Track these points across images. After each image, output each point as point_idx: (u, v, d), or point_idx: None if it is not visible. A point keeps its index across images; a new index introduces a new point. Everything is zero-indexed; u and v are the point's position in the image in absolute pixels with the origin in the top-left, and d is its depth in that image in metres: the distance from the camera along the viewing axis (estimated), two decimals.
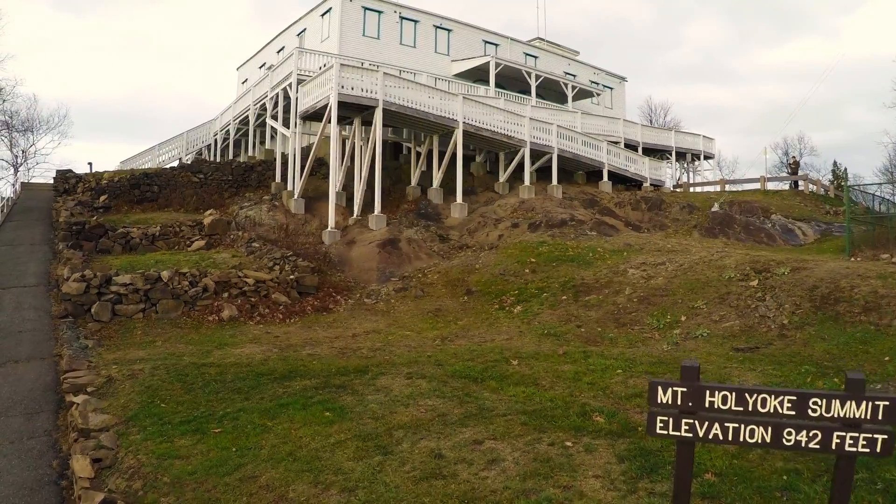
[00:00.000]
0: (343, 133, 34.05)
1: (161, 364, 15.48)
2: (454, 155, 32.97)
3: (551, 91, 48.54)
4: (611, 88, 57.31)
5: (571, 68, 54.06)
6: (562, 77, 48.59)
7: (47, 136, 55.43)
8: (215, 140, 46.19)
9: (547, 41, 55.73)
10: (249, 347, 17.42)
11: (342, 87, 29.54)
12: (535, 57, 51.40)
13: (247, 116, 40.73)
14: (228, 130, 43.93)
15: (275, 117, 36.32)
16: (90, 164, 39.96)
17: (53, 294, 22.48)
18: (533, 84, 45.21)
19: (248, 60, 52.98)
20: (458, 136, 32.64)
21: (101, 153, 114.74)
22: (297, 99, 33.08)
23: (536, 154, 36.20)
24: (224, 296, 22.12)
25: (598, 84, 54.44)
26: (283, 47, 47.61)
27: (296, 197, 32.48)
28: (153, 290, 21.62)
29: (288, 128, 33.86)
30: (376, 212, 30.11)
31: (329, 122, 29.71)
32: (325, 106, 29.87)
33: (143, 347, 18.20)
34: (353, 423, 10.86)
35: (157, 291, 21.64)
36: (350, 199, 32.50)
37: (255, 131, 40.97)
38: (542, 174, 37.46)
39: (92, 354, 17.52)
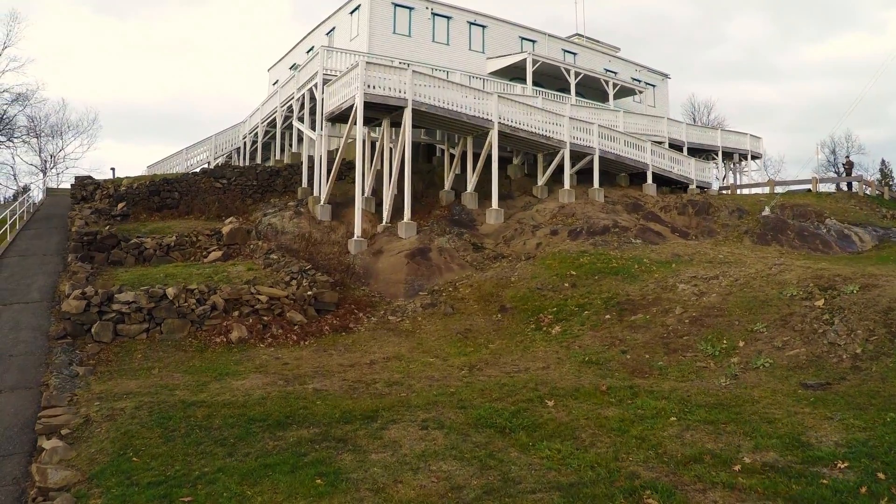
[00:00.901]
0: (372, 135, 31.90)
1: (147, 401, 13.46)
2: (489, 157, 30.65)
3: (591, 89, 45.95)
4: (653, 86, 54.47)
5: (612, 65, 51.36)
6: (602, 74, 45.95)
7: (76, 140, 53.69)
8: (244, 143, 44.34)
9: (586, 37, 53.06)
10: (252, 379, 15.29)
11: (368, 86, 27.36)
12: (574, 54, 48.80)
13: (274, 119, 38.78)
14: (257, 133, 42.04)
15: (301, 119, 34.31)
16: (113, 169, 38.39)
17: (55, 311, 20.62)
18: (572, 82, 42.64)
19: (278, 61, 51.12)
20: (494, 138, 30.31)
21: (140, 155, 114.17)
22: (322, 100, 30.99)
23: (577, 155, 33.73)
24: (234, 314, 20.03)
25: (639, 81, 51.66)
26: (313, 47, 45.52)
27: (322, 203, 30.38)
28: (158, 308, 19.67)
29: (315, 130, 31.75)
30: (405, 219, 27.89)
31: (355, 123, 27.51)
32: (351, 107, 27.72)
33: (137, 376, 16.24)
34: (348, 496, 8.62)
35: (162, 310, 19.68)
36: (379, 205, 30.35)
37: (282, 134, 39.01)
38: (583, 177, 34.97)
39: (80, 385, 15.69)
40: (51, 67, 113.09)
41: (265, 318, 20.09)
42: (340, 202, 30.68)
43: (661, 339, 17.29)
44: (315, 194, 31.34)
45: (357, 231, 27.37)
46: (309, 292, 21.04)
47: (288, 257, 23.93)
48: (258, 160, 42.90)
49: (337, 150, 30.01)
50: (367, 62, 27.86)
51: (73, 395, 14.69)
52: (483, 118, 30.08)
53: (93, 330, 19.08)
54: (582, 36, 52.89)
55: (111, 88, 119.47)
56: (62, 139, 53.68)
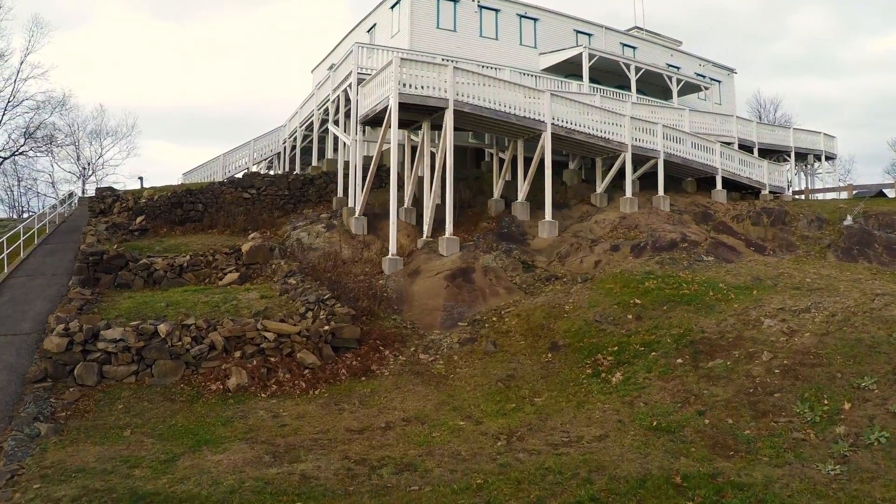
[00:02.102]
0: (413, 138, 28.50)
1: (94, 488, 10.40)
2: (542, 162, 27.05)
3: (652, 86, 41.84)
4: (718, 82, 49.81)
5: (674, 60, 46.98)
6: (664, 69, 41.75)
7: (115, 146, 51.31)
8: (284, 148, 41.40)
9: (646, 30, 48.74)
10: (234, 451, 12.04)
11: (404, 85, 24.01)
12: (634, 48, 44.65)
13: (312, 122, 35.66)
14: (296, 138, 39.02)
15: (337, 123, 31.11)
16: (140, 178, 35.88)
17: (41, 348, 17.64)
18: (633, 78, 38.56)
19: (321, 62, 47.94)
20: (546, 141, 26.70)
21: (198, 158, 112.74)
22: (357, 101, 27.72)
23: (639, 159, 29.91)
24: (236, 355, 16.80)
25: (704, 77, 47.24)
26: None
27: (356, 215, 27.12)
28: (148, 348, 16.65)
29: (350, 134, 28.49)
30: (447, 234, 24.44)
31: (391, 127, 24.18)
32: (386, 108, 24.41)
33: (105, 439, 13.28)
34: None
35: (153, 350, 16.62)
36: (421, 216, 26.96)
37: (319, 139, 35.87)
38: (646, 182, 31.12)
39: (35, 450, 12.86)
40: (108, 73, 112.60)
41: (272, 358, 16.82)
42: (379, 213, 27.35)
43: (746, 396, 13.53)
44: (350, 205, 28.11)
45: (392, 248, 24.02)
46: (326, 327, 17.68)
47: (308, 282, 20.65)
48: (297, 166, 39.93)
49: (379, 154, 26.69)
50: (403, 58, 24.50)
51: (19, 469, 11.76)
52: (534, 119, 26.50)
53: (75, 372, 16.24)
54: (641, 29, 48.66)
55: (172, 92, 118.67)
56: (101, 145, 51.32)
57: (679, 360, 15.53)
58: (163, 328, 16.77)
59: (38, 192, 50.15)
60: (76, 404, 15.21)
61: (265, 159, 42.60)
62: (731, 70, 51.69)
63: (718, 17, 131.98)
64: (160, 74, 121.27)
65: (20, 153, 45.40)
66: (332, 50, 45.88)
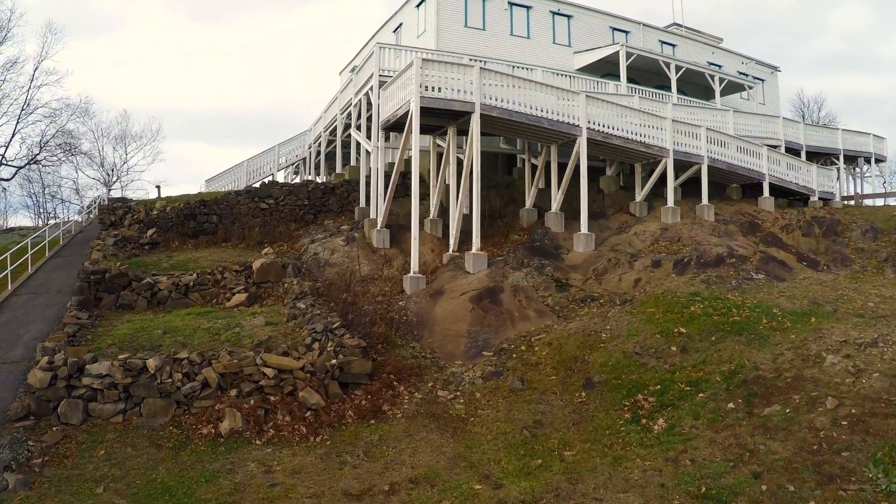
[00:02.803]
0: (439, 143, 26.54)
1: None
2: (577, 169, 24.97)
3: (693, 85, 39.42)
4: (761, 80, 46.94)
5: (716, 57, 44.34)
6: (706, 68, 39.27)
7: (139, 152, 49.97)
8: (310, 153, 39.68)
9: (685, 27, 46.20)
10: None
11: (426, 88, 22.10)
12: (673, 45, 42.16)
13: (336, 126, 33.87)
14: (321, 143, 37.28)
15: (360, 128, 29.26)
16: (158, 187, 34.19)
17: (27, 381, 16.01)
18: (673, 77, 36.12)
19: (348, 64, 46.04)
20: (582, 146, 24.61)
21: (231, 160, 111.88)
22: (378, 105, 25.86)
23: (681, 165, 27.67)
24: (232, 393, 15.04)
25: (746, 76, 44.61)
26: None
27: (378, 227, 25.25)
28: (136, 384, 14.99)
29: (372, 140, 26.63)
30: (474, 249, 22.48)
31: (413, 132, 22.31)
32: (407, 113, 22.51)
33: (75, 498, 11.58)
34: None
35: (141, 387, 14.95)
36: (447, 227, 25.03)
37: (343, 144, 34.07)
38: (688, 189, 28.85)
39: None
40: (145, 75, 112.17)
41: (271, 398, 14.99)
42: (403, 224, 25.34)
43: (809, 455, 11.42)
44: (372, 216, 26.25)
45: (413, 265, 22.11)
46: (333, 361, 15.79)
47: (319, 306, 18.79)
48: (322, 172, 38.24)
49: (403, 160, 24.78)
50: (424, 59, 22.57)
51: None
52: (568, 123, 24.42)
53: (59, 409, 14.78)
54: (680, 26, 46.09)
55: (209, 94, 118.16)
56: (125, 151, 49.99)
57: (730, 405, 13.43)
58: (152, 363, 15.06)
59: (63, 199, 49.08)
60: (56, 447, 13.68)
61: (291, 164, 40.95)
62: (775, 68, 48.89)
63: (757, 14, 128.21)
64: (197, 76, 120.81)
65: (34, 162, 44.24)
66: (359, 51, 44.06)
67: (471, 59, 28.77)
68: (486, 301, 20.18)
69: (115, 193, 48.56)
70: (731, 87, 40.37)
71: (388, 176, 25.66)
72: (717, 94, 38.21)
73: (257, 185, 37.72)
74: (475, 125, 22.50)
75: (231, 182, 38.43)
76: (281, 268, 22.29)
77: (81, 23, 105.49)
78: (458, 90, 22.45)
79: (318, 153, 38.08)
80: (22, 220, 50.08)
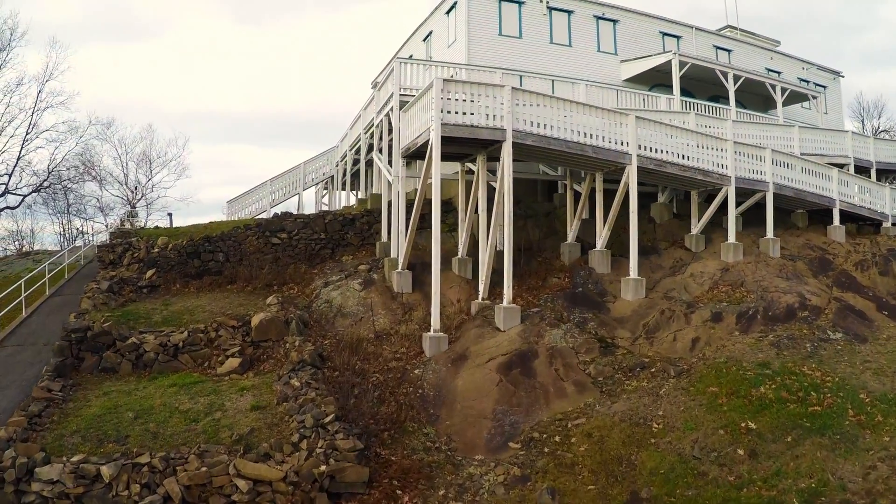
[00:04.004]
0: (470, 166, 22.67)
1: None
2: (626, 198, 21.06)
3: (751, 94, 34.89)
4: (823, 87, 41.59)
5: (774, 63, 39.61)
6: (767, 77, 34.53)
7: (164, 168, 46.92)
8: (338, 171, 36.18)
9: (740, 30, 41.42)
10: None
11: (448, 113, 18.40)
12: (728, 51, 37.56)
13: (360, 146, 30.23)
14: (347, 161, 33.76)
15: (382, 150, 25.60)
16: (170, 215, 30.99)
17: None
18: (731, 88, 31.55)
19: (380, 74, 42.50)
20: (632, 176, 20.72)
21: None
22: (398, 129, 22.18)
23: (743, 192, 23.54)
24: None
25: (807, 83, 39.87)
26: (411, 56, 36.64)
27: (399, 268, 21.62)
28: (88, 495, 12.24)
29: (393, 167, 22.93)
30: (505, 301, 18.72)
31: (433, 165, 18.66)
32: (428, 142, 18.80)
33: None
34: None
35: (94, 499, 11.76)
36: (477, 266, 21.28)
37: (367, 165, 30.46)
38: (750, 215, 24.64)
39: None
40: (189, 78, 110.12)
41: None
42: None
43: None
44: (392, 254, 22.56)
45: (434, 321, 18.39)
46: (322, 467, 12.26)
47: (316, 383, 15.21)
48: (346, 195, 34.79)
49: (425, 192, 21.00)
50: (446, 79, 18.85)
51: None
52: (615, 150, 20.53)
53: None
54: (735, 28, 41.37)
55: (256, 96, 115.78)
56: (149, 168, 47.01)
57: None
58: (106, 471, 11.95)
59: (86, 218, 46.35)
60: None
61: (317, 183, 37.52)
62: (837, 73, 43.77)
63: (806, 8, 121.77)
64: (242, 78, 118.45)
65: (40, 189, 41.51)
66: (391, 60, 40.34)
67: (505, 74, 24.99)
68: (517, 371, 16.44)
69: (141, 211, 45.64)
70: (794, 97, 35.73)
71: (411, 206, 22.01)
72: (779, 105, 33.54)
73: (278, 207, 34.63)
74: (506, 156, 18.74)
75: (253, 203, 35.10)
76: (283, 324, 18.75)
77: (125, 28, 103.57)
78: (487, 115, 18.70)
79: (345, 172, 34.57)
80: (48, 237, 47.32)
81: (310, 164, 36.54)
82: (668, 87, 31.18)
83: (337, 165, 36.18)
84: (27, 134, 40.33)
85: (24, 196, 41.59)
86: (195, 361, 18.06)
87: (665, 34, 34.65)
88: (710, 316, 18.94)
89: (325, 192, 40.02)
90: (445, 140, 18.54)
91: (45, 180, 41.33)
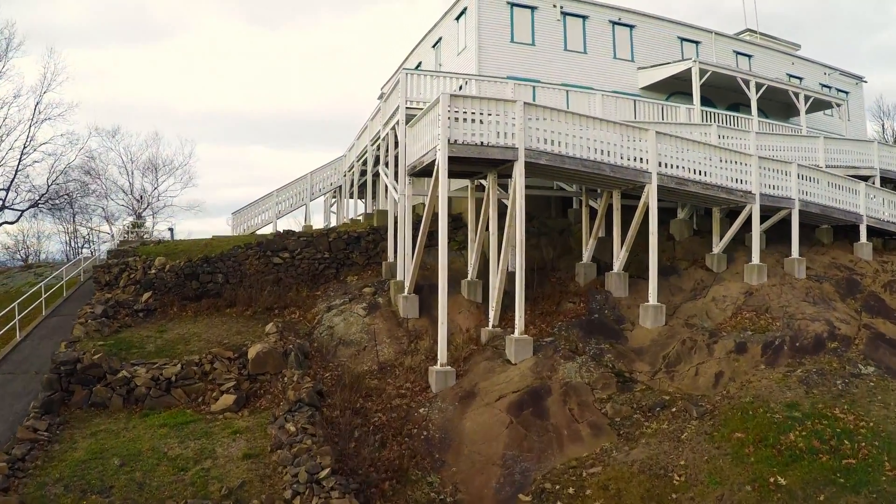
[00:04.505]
0: (481, 182, 21.49)
1: None
2: (645, 217, 19.86)
3: (772, 102, 33.63)
4: (845, 93, 39.90)
5: (796, 68, 38.01)
6: (790, 85, 32.79)
7: (170, 178, 45.85)
8: (346, 181, 35.06)
9: (760, 34, 39.89)
10: None
11: (455, 131, 17.28)
12: (749, 56, 36.12)
13: (367, 158, 29.11)
14: (354, 172, 32.65)
15: (388, 164, 24.48)
16: (171, 229, 29.91)
17: None
18: (753, 96, 30.06)
19: (389, 80, 41.37)
20: (651, 196, 19.54)
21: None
22: (404, 145, 21.06)
23: (767, 209, 22.28)
24: None
25: (829, 88, 38.33)
26: (420, 63, 35.45)
27: (405, 292, 20.55)
28: None
29: (399, 182, 21.81)
30: (517, 332, 17.59)
31: (440, 186, 17.54)
32: (434, 161, 17.70)
33: None
34: None
35: None
36: (488, 288, 20.14)
37: (374, 178, 29.33)
38: (773, 233, 23.36)
39: None
40: (207, 80, 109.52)
41: None
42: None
43: None
44: (399, 276, 21.44)
45: (441, 354, 17.28)
46: None
47: (313, 429, 14.11)
48: (355, 203, 33.72)
49: (433, 211, 19.81)
50: (453, 94, 17.67)
51: None
52: (634, 169, 19.38)
53: None
54: (754, 32, 39.85)
55: (270, 97, 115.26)
56: (155, 177, 45.99)
57: None
58: None
59: (91, 228, 45.44)
60: None
61: (325, 192, 36.38)
62: (860, 79, 42.16)
63: (822, 5, 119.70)
64: (257, 80, 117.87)
65: (35, 206, 40.62)
66: (400, 66, 39.24)
67: (517, 85, 23.86)
68: (528, 411, 15.33)
69: (147, 220, 44.63)
70: (817, 105, 34.29)
71: (418, 224, 20.93)
72: (803, 114, 32.04)
73: (285, 218, 33.60)
74: (518, 176, 17.62)
75: (259, 215, 34.00)
76: (282, 356, 17.68)
77: (141, 29, 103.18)
78: (498, 132, 17.55)
79: (353, 183, 33.48)
80: (55, 245, 46.43)
81: (317, 174, 35.41)
82: (687, 95, 29.91)
83: (345, 175, 35.08)
84: (25, 147, 39.48)
85: (23, 211, 40.78)
86: (188, 396, 17.03)
87: (683, 39, 33.33)
88: (733, 347, 17.74)
89: (334, 199, 38.96)
90: (453, 159, 17.44)
91: (43, 194, 40.52)
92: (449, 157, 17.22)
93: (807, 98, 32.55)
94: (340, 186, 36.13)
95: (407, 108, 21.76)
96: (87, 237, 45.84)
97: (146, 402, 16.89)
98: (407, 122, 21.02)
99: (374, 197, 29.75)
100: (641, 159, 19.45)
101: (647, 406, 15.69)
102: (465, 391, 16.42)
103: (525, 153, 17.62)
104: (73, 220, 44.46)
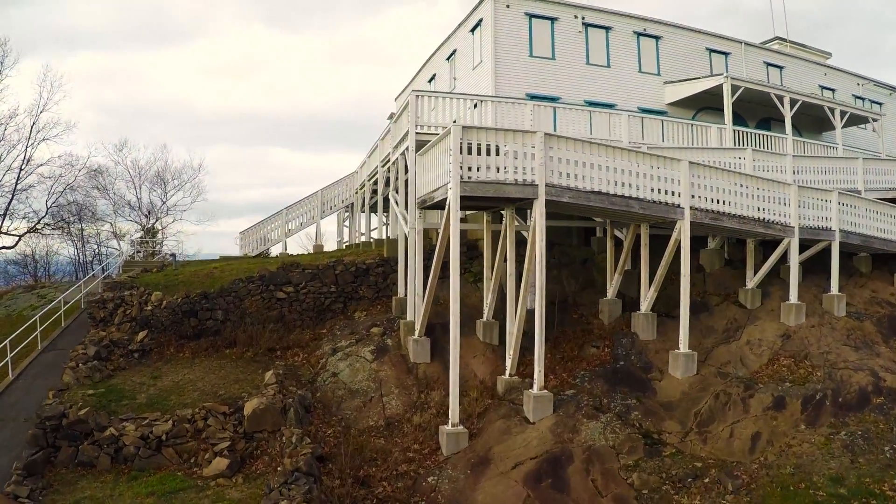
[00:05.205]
0: (499, 211, 20.00)
1: None
2: (676, 251, 18.30)
3: (804, 116, 31.51)
4: (879, 104, 38.32)
5: (828, 80, 35.87)
6: (825, 100, 30.82)
7: (178, 192, 44.57)
8: (356, 199, 33.67)
9: (790, 42, 37.81)
10: None
11: (468, 168, 15.76)
12: (780, 67, 34.16)
13: (378, 178, 27.66)
14: (365, 191, 31.24)
15: (398, 190, 23.05)
16: (173, 255, 28.43)
17: None
18: (787, 114, 28.10)
19: (403, 90, 39.81)
20: (684, 232, 17.96)
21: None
22: (415, 174, 19.57)
23: (806, 242, 20.62)
24: None
25: (863, 100, 36.37)
26: (434, 75, 33.93)
27: (416, 334, 19.15)
28: None
29: (409, 213, 20.33)
30: (536, 386, 16.15)
31: (451, 228, 16.04)
32: (446, 199, 16.23)
33: None
34: None
35: None
36: (504, 331, 18.66)
37: (385, 201, 27.88)
38: (809, 263, 21.64)
39: None
40: (226, 82, 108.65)
41: None
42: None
43: None
44: (409, 316, 19.96)
45: (452, 413, 15.80)
46: None
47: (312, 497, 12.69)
48: (367, 220, 32.37)
49: (446, 244, 18.21)
50: (465, 127, 16.14)
51: None
52: (665, 204, 17.77)
53: None
54: (784, 40, 37.87)
55: (290, 98, 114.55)
56: (164, 191, 44.68)
57: None
58: None
59: (99, 243, 44.25)
60: None
61: (337, 210, 34.97)
62: (894, 89, 40.24)
63: (843, 4, 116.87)
64: (275, 81, 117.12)
65: (34, 231, 39.46)
66: (415, 76, 37.79)
67: (536, 106, 22.33)
68: (547, 483, 13.94)
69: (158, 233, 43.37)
70: (853, 120, 32.39)
71: (429, 254, 19.51)
72: (839, 130, 30.13)
73: (295, 237, 32.17)
74: (539, 216, 16.12)
75: (268, 234, 32.62)
76: (280, 412, 16.30)
77: (161, 30, 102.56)
78: (516, 167, 16.07)
79: (364, 202, 32.09)
80: (63, 258, 45.16)
81: (328, 191, 34.02)
82: (716, 111, 28.26)
83: (356, 193, 33.70)
84: (21, 171, 38.40)
85: (20, 236, 39.60)
86: (180, 457, 15.72)
87: (712, 51, 31.60)
88: (771, 402, 16.20)
89: (346, 214, 37.61)
90: (466, 198, 15.99)
91: (42, 217, 39.51)
92: (461, 197, 15.79)
93: (843, 114, 30.68)
94: (352, 204, 34.78)
95: (417, 132, 20.30)
96: (96, 250, 44.71)
97: (135, 461, 15.62)
98: (417, 150, 19.53)
99: (385, 212, 28.32)
100: (673, 192, 17.86)
101: (678, 476, 14.18)
102: (478, 456, 14.98)
103: (546, 190, 16.11)
104: (82, 235, 43.32)
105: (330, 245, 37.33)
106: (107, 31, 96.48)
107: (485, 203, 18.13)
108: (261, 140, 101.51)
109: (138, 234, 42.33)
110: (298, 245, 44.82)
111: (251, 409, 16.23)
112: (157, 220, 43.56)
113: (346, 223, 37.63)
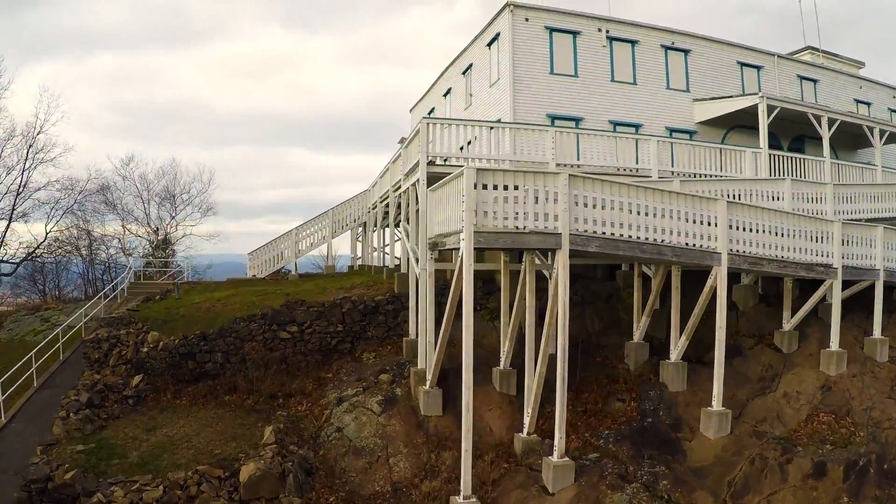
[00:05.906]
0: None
1: None
2: (712, 297, 16.80)
3: (840, 133, 28.94)
4: None
5: (863, 93, 33.89)
6: (864, 119, 28.99)
7: (188, 206, 43.44)
8: (369, 218, 32.41)
9: (822, 52, 35.85)
10: None
11: (483, 214, 14.36)
12: (814, 81, 32.19)
13: (389, 202, 26.31)
14: (378, 213, 29.96)
15: (409, 220, 21.74)
16: (177, 285, 27.11)
17: None
18: (826, 135, 26.39)
19: (419, 101, 38.46)
20: (720, 279, 16.47)
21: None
22: (426, 210, 18.19)
23: (848, 282, 19.06)
24: None
25: None
26: (450, 90, 32.50)
27: (427, 384, 17.82)
28: None
29: (420, 251, 18.97)
30: (556, 453, 14.78)
31: (464, 278, 14.63)
32: (459, 248, 14.88)
33: None
34: None
35: None
36: (522, 379, 17.22)
37: (396, 224, 26.49)
38: (848, 301, 20.12)
39: None
40: (243, 84, 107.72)
41: None
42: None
43: None
44: (420, 363, 18.58)
45: (464, 485, 14.37)
46: None
47: None
48: (379, 239, 31.22)
49: (460, 287, 16.77)
50: (480, 170, 14.67)
51: None
52: (701, 251, 16.26)
53: None
54: (816, 50, 35.82)
55: (309, 100, 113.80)
56: (173, 206, 43.59)
57: None
58: None
59: (108, 261, 43.11)
60: None
61: (349, 228, 33.66)
62: None
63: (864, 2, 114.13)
64: (294, 82, 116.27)
65: (31, 259, 38.43)
66: (430, 89, 36.41)
67: (559, 129, 20.91)
68: None
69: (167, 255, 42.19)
70: (892, 138, 30.58)
71: (441, 291, 18.21)
72: (878, 150, 28.26)
73: (306, 257, 30.99)
74: (562, 268, 14.67)
75: (278, 253, 31.38)
76: (279, 479, 15.08)
77: (181, 32, 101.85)
78: (536, 212, 14.63)
79: (377, 222, 30.83)
80: (72, 276, 44.06)
81: (338, 210, 32.74)
82: (748, 129, 26.62)
83: (368, 212, 32.43)
84: (17, 196, 37.41)
85: (18, 263, 38.55)
86: None
87: (743, 64, 29.91)
88: (811, 469, 14.77)
89: (361, 230, 36.37)
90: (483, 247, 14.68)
91: (37, 247, 38.53)
92: (475, 247, 14.43)
93: (882, 133, 28.87)
94: (365, 223, 33.53)
95: (428, 162, 18.93)
96: (105, 263, 43.60)
97: None
98: (429, 185, 18.09)
99: (397, 227, 27.10)
100: (710, 236, 16.37)
101: None
102: None
103: (570, 239, 14.67)
104: (91, 253, 42.26)
105: (343, 262, 36.29)
106: (125, 32, 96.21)
107: (505, 248, 16.75)
108: (279, 141, 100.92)
109: (146, 250, 41.42)
110: (311, 263, 43.52)
111: (247, 476, 14.99)
112: (165, 236, 42.48)
113: (360, 239, 36.45)
